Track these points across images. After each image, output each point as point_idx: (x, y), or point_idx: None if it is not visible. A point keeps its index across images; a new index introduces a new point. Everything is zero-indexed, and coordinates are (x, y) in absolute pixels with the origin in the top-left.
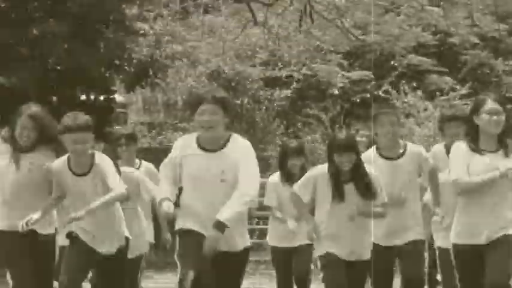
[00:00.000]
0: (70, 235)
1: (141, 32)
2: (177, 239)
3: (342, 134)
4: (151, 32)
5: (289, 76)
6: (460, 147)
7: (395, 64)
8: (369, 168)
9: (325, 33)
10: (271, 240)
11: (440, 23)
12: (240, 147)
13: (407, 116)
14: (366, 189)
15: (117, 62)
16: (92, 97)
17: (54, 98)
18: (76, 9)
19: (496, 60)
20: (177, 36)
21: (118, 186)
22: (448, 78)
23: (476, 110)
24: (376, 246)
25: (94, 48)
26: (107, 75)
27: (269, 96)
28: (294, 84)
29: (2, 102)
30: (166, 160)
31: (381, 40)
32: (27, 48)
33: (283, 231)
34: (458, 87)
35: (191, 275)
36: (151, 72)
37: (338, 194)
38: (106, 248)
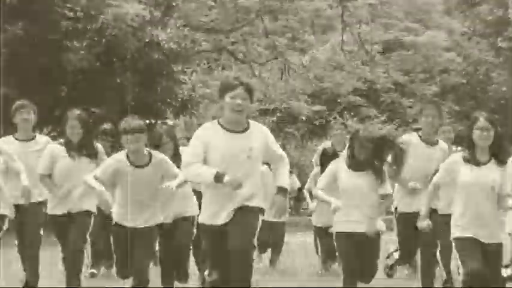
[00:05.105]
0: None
1: (183, 81)
2: (202, 234)
3: (365, 130)
4: (189, 81)
5: (275, 108)
6: (453, 158)
7: (340, 101)
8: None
9: (297, 81)
10: None
11: (368, 76)
12: (261, 129)
13: (348, 134)
14: (379, 175)
15: (168, 100)
16: (153, 121)
17: None
18: (143, 66)
19: (402, 99)
20: (206, 83)
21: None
22: (373, 110)
23: (471, 126)
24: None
25: (154, 92)
26: (162, 108)
27: (261, 122)
28: (277, 114)
29: (95, 126)
30: (188, 159)
31: (331, 86)
32: (112, 92)
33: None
34: (379, 116)
35: (215, 277)
36: (189, 106)
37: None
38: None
